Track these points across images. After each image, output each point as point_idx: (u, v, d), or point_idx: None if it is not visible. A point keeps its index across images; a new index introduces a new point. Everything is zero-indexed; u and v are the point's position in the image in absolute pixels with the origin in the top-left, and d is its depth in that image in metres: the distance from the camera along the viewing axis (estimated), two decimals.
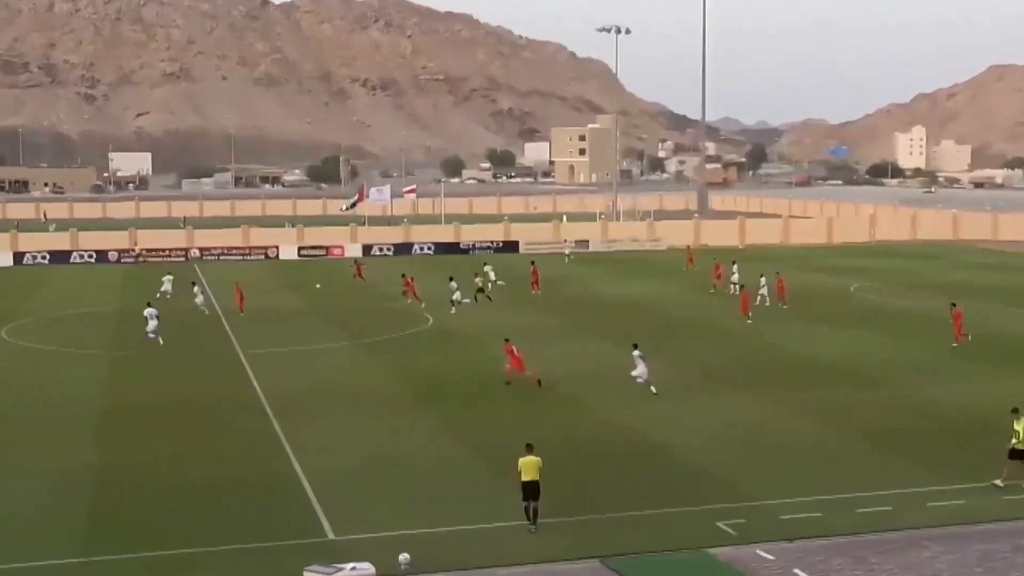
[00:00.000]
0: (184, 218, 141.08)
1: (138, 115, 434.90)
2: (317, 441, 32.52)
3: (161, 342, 48.60)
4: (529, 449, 25.38)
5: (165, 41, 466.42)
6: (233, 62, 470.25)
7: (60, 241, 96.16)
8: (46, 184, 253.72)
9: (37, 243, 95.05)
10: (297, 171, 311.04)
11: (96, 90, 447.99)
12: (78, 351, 48.43)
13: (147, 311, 50.20)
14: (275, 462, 30.38)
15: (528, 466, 24.95)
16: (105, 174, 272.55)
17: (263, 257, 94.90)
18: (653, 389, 37.65)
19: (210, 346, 49.47)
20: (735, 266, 68.02)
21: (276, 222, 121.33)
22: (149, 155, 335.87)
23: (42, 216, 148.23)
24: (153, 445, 32.26)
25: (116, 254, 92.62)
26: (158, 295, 63.74)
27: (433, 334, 52.61)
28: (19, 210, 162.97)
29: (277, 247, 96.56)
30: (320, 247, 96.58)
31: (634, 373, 38.16)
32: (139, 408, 37.13)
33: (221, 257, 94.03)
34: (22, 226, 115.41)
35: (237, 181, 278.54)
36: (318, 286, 69.59)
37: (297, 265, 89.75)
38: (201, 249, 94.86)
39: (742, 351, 46.84)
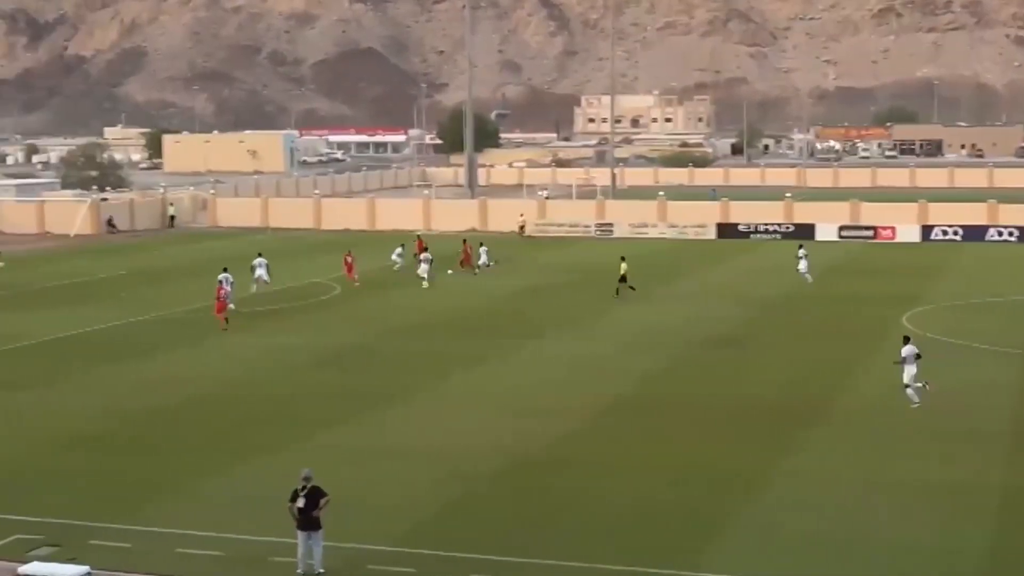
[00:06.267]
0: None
1: None
2: None
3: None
4: None
5: None
6: None
7: (975, 214, 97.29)
8: (963, 146, 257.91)
9: (949, 215, 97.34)
10: None
11: None
12: (992, 348, 48.89)
13: None
14: None
15: None
16: None
17: None
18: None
19: None
20: None
21: None
22: None
23: None
24: None
25: None
26: None
27: None
28: (928, 177, 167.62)
29: None
30: None
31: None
32: None
33: None
34: None
35: None
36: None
37: None
38: None
39: None
